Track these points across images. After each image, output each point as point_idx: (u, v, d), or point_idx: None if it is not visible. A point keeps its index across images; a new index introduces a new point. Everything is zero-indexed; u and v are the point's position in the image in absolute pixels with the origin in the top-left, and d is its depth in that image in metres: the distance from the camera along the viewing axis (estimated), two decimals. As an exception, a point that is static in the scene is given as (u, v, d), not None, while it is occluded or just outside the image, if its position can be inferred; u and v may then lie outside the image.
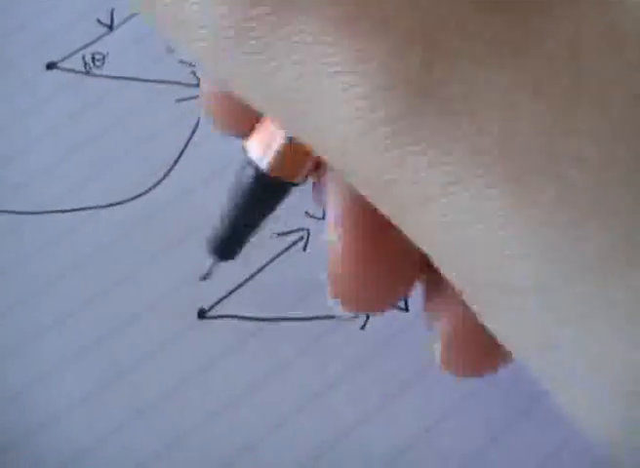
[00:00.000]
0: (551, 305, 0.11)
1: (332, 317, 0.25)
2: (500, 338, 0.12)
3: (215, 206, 0.27)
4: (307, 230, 0.26)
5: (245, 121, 0.17)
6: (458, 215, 0.11)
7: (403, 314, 0.25)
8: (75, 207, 0.27)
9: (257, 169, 0.17)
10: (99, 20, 0.32)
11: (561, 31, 0.11)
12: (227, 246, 0.21)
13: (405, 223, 0.12)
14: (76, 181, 0.28)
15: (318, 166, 0.17)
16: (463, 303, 0.13)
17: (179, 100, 0.30)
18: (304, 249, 0.26)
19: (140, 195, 0.27)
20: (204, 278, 0.23)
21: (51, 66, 0.31)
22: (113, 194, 0.27)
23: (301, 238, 0.26)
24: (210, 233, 0.21)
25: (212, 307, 0.25)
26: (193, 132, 0.29)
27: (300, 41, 0.11)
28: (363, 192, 0.13)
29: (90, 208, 0.27)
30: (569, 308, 0.11)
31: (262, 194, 0.18)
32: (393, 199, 0.12)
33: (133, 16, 0.32)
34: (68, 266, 0.26)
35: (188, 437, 0.23)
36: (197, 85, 0.30)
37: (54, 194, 0.28)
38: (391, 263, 0.17)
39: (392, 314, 0.25)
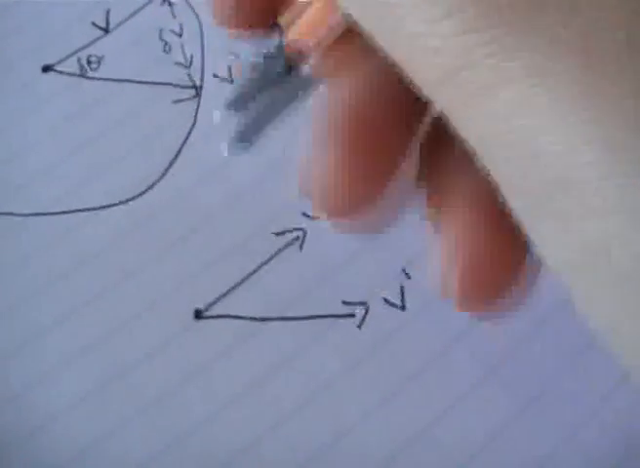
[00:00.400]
0: (613, 195, 0.11)
1: (329, 316, 0.25)
2: (546, 249, 0.12)
3: (211, 206, 0.27)
4: (304, 230, 0.27)
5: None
6: (526, 103, 0.11)
7: (400, 313, 0.25)
8: (73, 208, 0.27)
9: (278, 44, 0.17)
10: (94, 23, 0.32)
11: None
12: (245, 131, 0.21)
13: (461, 117, 0.12)
14: (74, 183, 0.28)
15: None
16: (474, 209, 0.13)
17: (175, 102, 0.30)
18: (301, 248, 0.26)
19: (137, 196, 0.28)
20: (229, 152, 0.22)
21: (47, 69, 0.31)
22: (110, 195, 0.28)
23: (298, 238, 0.26)
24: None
25: (208, 307, 0.25)
26: (189, 132, 0.29)
27: None
28: (421, 84, 0.12)
29: (87, 209, 0.27)
30: (622, 198, 0.11)
31: (278, 69, 0.18)
32: (457, 88, 0.12)
33: (128, 19, 0.32)
34: (66, 268, 0.26)
35: (187, 436, 0.23)
36: (193, 86, 0.30)
37: (52, 196, 0.28)
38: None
39: (389, 313, 0.25)
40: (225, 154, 0.23)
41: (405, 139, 0.16)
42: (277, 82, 0.19)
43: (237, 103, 0.21)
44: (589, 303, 0.13)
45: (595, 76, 0.11)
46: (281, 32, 0.18)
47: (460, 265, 0.16)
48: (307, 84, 0.19)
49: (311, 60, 0.17)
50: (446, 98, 0.13)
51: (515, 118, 0.11)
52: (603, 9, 0.11)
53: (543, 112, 0.11)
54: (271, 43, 0.18)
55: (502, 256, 0.15)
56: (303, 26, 0.17)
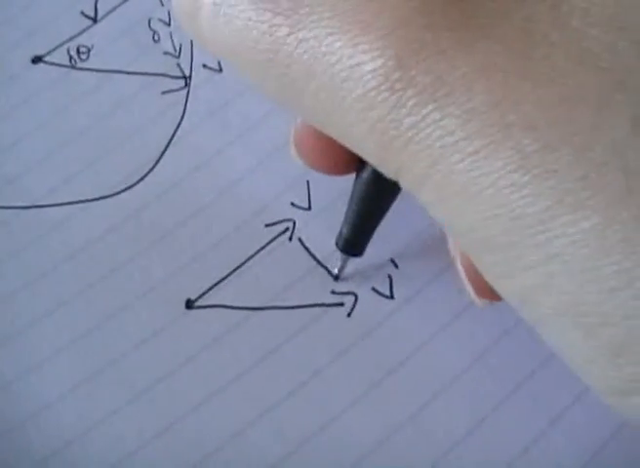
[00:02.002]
0: (521, 255, 0.13)
1: (318, 305, 0.25)
2: (495, 288, 0.15)
3: (201, 197, 0.27)
4: (293, 221, 0.27)
5: (334, 157, 0.20)
6: (444, 190, 0.13)
7: (389, 301, 0.25)
8: (63, 201, 0.27)
9: (372, 169, 0.19)
10: (83, 13, 0.32)
11: (516, 12, 0.13)
12: (355, 242, 0.24)
13: (419, 200, 0.14)
14: (64, 175, 0.28)
15: None
16: None
17: (164, 92, 0.30)
18: (290, 239, 0.26)
19: (128, 188, 0.28)
20: (337, 277, 0.25)
21: (36, 60, 0.31)
22: (101, 187, 0.28)
23: (287, 229, 0.27)
24: (338, 233, 0.24)
25: (199, 297, 0.25)
26: (179, 123, 0.29)
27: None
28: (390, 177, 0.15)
29: (78, 201, 0.27)
30: (533, 255, 0.13)
31: (380, 188, 0.20)
32: (405, 183, 0.14)
33: (117, 7, 0.32)
34: (57, 259, 0.26)
35: (178, 425, 0.23)
36: (182, 77, 0.30)
37: (42, 188, 0.28)
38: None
39: (378, 302, 0.25)
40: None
41: None
42: (380, 204, 0.21)
43: (354, 246, 0.23)
44: (538, 331, 0.14)
45: (483, 155, 0.13)
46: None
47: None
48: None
49: None
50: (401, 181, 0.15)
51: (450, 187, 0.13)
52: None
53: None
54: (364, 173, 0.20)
55: None
56: None
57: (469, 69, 0.12)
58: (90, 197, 0.27)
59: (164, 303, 0.25)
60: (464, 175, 0.12)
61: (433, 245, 0.26)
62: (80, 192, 0.28)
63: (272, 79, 0.14)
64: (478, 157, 0.12)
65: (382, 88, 0.13)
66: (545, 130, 0.12)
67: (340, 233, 0.23)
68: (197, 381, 0.24)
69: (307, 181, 0.27)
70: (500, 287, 0.14)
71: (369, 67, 0.13)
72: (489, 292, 0.19)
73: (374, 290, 0.25)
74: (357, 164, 0.20)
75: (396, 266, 0.26)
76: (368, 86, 0.13)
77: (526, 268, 0.13)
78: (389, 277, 0.26)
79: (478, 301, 0.21)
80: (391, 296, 0.25)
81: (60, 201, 0.27)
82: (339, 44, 0.13)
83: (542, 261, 0.12)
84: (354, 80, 0.13)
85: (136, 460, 0.23)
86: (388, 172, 0.14)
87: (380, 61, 0.13)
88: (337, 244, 0.24)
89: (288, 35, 0.14)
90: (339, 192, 0.27)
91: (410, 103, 0.13)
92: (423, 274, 0.25)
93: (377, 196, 0.21)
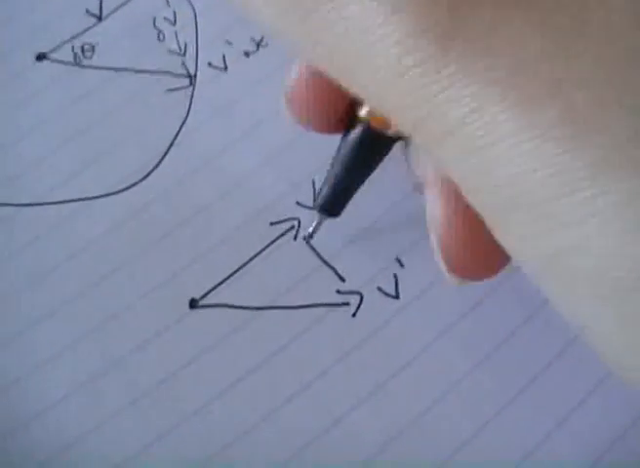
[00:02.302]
0: (555, 213, 0.12)
1: (323, 305, 0.25)
2: (514, 253, 0.14)
3: (205, 195, 0.27)
4: (298, 219, 0.27)
5: (326, 113, 0.20)
6: (478, 141, 0.13)
7: (394, 301, 0.25)
8: (67, 198, 0.27)
9: (364, 126, 0.19)
10: (88, 11, 0.32)
11: None
12: (334, 202, 0.23)
13: (436, 156, 0.14)
14: (68, 173, 0.28)
15: None
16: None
17: (169, 90, 0.30)
18: (295, 238, 0.26)
19: (131, 186, 0.28)
20: (309, 236, 0.24)
21: (41, 58, 0.31)
22: (104, 185, 0.28)
23: (292, 227, 0.26)
24: (317, 192, 0.23)
25: (203, 296, 0.25)
26: (183, 121, 0.29)
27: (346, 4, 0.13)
28: (402, 128, 0.14)
29: (81, 199, 0.27)
30: (570, 214, 0.12)
31: (368, 148, 0.20)
32: (425, 134, 0.14)
33: (122, 6, 0.32)
34: (60, 257, 0.26)
35: (182, 425, 0.23)
36: (187, 75, 0.30)
37: (46, 186, 0.28)
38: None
39: (383, 301, 0.25)
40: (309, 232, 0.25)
41: None
42: (365, 165, 0.21)
43: (332, 206, 0.23)
44: (559, 303, 0.14)
45: (527, 110, 0.12)
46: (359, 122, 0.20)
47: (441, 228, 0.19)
48: (390, 147, 0.20)
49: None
50: (417, 140, 0.14)
51: (473, 154, 0.13)
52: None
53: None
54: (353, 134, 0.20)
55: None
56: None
57: (524, 23, 0.12)
58: (93, 195, 0.27)
59: (167, 303, 0.25)
60: (507, 125, 0.12)
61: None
62: (83, 190, 0.27)
63: (299, 12, 0.14)
64: (524, 108, 0.12)
65: (431, 32, 0.12)
66: (598, 87, 0.12)
67: (320, 192, 0.23)
68: (201, 382, 0.24)
69: (313, 180, 0.27)
70: (524, 249, 0.14)
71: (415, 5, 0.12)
72: (462, 270, 0.19)
73: (379, 289, 0.25)
74: (345, 124, 0.20)
75: (402, 266, 0.26)
76: (413, 29, 0.12)
77: (561, 227, 0.12)
78: (395, 276, 0.25)
79: (450, 278, 0.20)
80: (397, 296, 0.25)
81: (62, 198, 0.27)
82: None
83: (581, 220, 0.12)
84: (395, 21, 0.12)
85: (139, 461, 0.23)
86: (409, 120, 0.14)
87: (431, 5, 0.12)
88: (314, 203, 0.24)
89: None
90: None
91: (458, 49, 0.12)
92: (429, 274, 0.25)
93: (362, 158, 0.21)
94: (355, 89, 0.14)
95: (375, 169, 0.21)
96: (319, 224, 0.24)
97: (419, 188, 0.20)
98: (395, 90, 0.13)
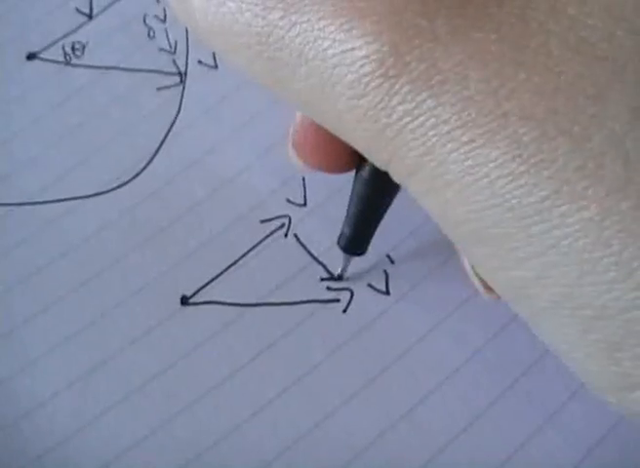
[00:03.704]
0: (516, 246, 0.13)
1: (314, 301, 0.25)
2: (488, 282, 0.15)
3: (196, 193, 0.27)
4: (289, 217, 0.27)
5: (333, 155, 0.20)
6: (435, 181, 0.13)
7: (385, 297, 0.25)
8: (58, 197, 0.27)
9: (372, 166, 0.19)
10: (78, 9, 0.32)
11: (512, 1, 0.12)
12: (358, 241, 0.23)
13: (410, 190, 0.14)
14: (59, 172, 0.28)
15: None
16: None
17: (159, 89, 0.30)
18: (286, 235, 0.26)
19: (122, 184, 0.28)
20: (340, 277, 0.25)
21: (31, 57, 0.31)
22: (95, 184, 0.28)
23: (283, 225, 0.27)
24: (340, 233, 0.23)
25: (194, 294, 0.25)
26: (174, 119, 0.29)
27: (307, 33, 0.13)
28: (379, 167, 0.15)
29: (73, 198, 0.27)
30: (529, 247, 0.12)
31: (381, 183, 0.20)
32: (394, 174, 0.14)
33: (112, 4, 0.32)
34: (52, 256, 0.26)
35: (173, 422, 0.23)
36: (178, 73, 0.30)
37: (37, 185, 0.28)
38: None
39: (374, 298, 0.25)
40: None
41: None
42: (382, 199, 0.21)
43: (357, 245, 0.23)
44: (535, 330, 0.14)
45: (477, 146, 0.13)
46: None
47: None
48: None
49: None
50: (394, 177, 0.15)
51: (437, 191, 0.13)
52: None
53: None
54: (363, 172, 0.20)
55: None
56: None
57: (465, 57, 0.12)
58: (84, 194, 0.27)
59: (159, 300, 0.25)
60: (458, 164, 0.12)
61: (429, 240, 0.26)
62: (74, 189, 0.27)
63: (263, 62, 0.14)
64: (473, 146, 0.12)
65: (376, 74, 0.12)
66: (542, 119, 0.12)
67: (342, 233, 0.23)
68: (192, 378, 0.24)
69: (303, 178, 0.27)
70: (493, 280, 0.14)
71: (362, 53, 0.12)
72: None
73: (369, 286, 0.25)
74: (356, 162, 0.20)
75: (392, 262, 0.26)
76: (360, 72, 0.13)
77: (521, 260, 0.13)
78: (385, 273, 0.26)
79: (487, 296, 0.20)
80: (387, 292, 0.25)
81: (53, 197, 0.27)
82: (332, 28, 0.13)
83: (539, 253, 0.12)
84: (346, 65, 0.13)
85: (130, 457, 0.23)
86: (379, 161, 0.14)
87: (373, 47, 0.12)
88: (338, 243, 0.24)
89: (281, 18, 0.13)
90: (334, 188, 0.27)
91: (404, 90, 0.12)
92: (419, 270, 0.25)
93: (377, 194, 0.21)
94: (332, 132, 0.15)
95: (391, 201, 0.21)
96: (347, 263, 0.25)
97: None
98: (358, 134, 0.14)
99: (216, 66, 0.30)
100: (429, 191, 0.13)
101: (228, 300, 0.25)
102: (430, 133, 0.12)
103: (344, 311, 0.25)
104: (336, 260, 0.25)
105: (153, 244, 0.26)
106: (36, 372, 0.24)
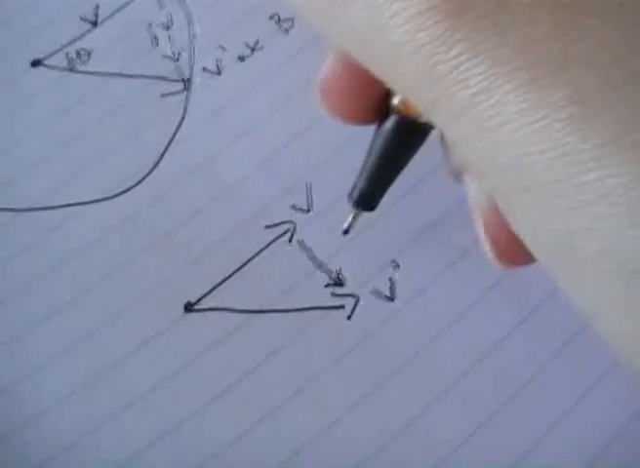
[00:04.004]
0: (564, 195, 0.12)
1: (318, 308, 0.25)
2: (524, 237, 0.14)
3: (200, 199, 0.27)
4: (293, 223, 0.27)
5: (359, 102, 0.19)
6: (487, 122, 0.12)
7: (389, 304, 0.25)
8: (62, 203, 0.27)
9: (398, 115, 0.19)
10: (82, 17, 0.32)
11: None
12: (370, 196, 0.22)
13: (450, 138, 0.14)
14: (63, 178, 0.28)
15: None
16: None
17: (163, 95, 0.30)
18: (290, 241, 0.26)
19: (126, 190, 0.28)
20: (346, 231, 0.23)
21: (36, 64, 0.31)
22: (99, 190, 0.28)
23: (287, 231, 0.26)
24: (352, 187, 0.22)
25: (198, 300, 0.25)
26: (178, 126, 0.29)
27: None
28: (420, 109, 0.14)
29: (76, 204, 0.27)
30: (578, 196, 0.12)
31: (403, 138, 0.20)
32: (438, 115, 0.14)
33: (116, 12, 0.32)
34: (55, 262, 0.26)
35: (176, 429, 0.23)
36: (182, 80, 0.30)
37: (41, 191, 0.28)
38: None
39: (379, 304, 0.25)
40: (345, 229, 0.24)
41: None
42: (401, 155, 0.20)
43: (368, 200, 0.22)
44: (569, 289, 0.13)
45: (535, 90, 0.12)
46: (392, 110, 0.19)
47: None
48: (425, 136, 0.20)
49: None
50: (435, 121, 0.14)
51: (481, 135, 0.13)
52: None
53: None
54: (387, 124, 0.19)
55: None
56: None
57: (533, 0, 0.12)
58: (87, 199, 0.27)
59: (162, 307, 0.25)
60: (515, 105, 0.12)
61: (435, 245, 0.26)
62: (78, 195, 0.27)
63: None
64: (533, 87, 0.12)
65: (441, 8, 0.12)
66: (607, 66, 0.12)
67: (355, 186, 0.22)
68: (196, 386, 0.24)
69: (307, 184, 0.27)
70: (533, 233, 0.14)
71: None
72: (511, 256, 0.18)
73: (375, 292, 0.25)
74: (380, 115, 0.20)
75: (397, 268, 0.26)
76: (423, 6, 0.12)
77: (569, 209, 0.12)
78: (390, 279, 0.25)
79: (499, 265, 0.19)
80: (392, 299, 0.25)
81: (57, 203, 0.27)
82: None
83: (588, 202, 0.12)
84: None
85: (134, 465, 0.22)
86: (423, 102, 0.14)
87: None
88: (349, 197, 0.22)
89: None
90: (339, 195, 0.27)
91: (468, 26, 0.12)
92: (425, 276, 0.25)
93: (397, 148, 0.20)
94: (374, 70, 0.14)
95: (410, 159, 0.21)
96: (355, 219, 0.23)
97: (456, 176, 0.20)
98: (408, 70, 0.13)
99: (219, 73, 0.30)
100: (478, 133, 0.13)
101: (232, 307, 0.25)
102: (490, 71, 0.12)
103: (349, 318, 0.25)
104: (341, 266, 0.25)
105: (157, 250, 0.26)
106: (40, 379, 0.24)
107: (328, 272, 0.26)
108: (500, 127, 0.12)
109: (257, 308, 0.25)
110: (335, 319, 0.25)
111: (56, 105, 0.30)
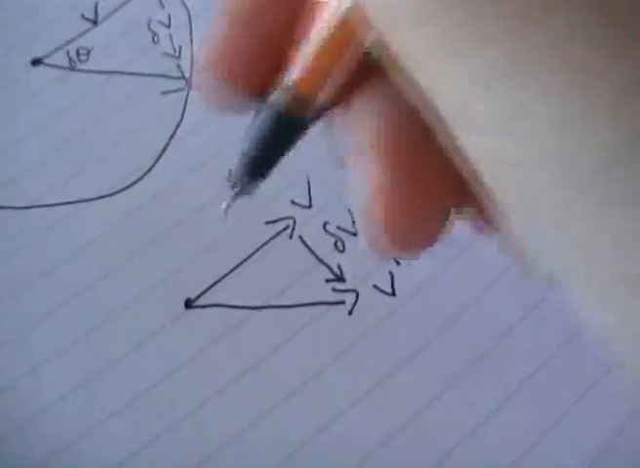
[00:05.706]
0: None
1: (319, 304, 0.25)
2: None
3: (200, 196, 0.27)
4: (294, 219, 0.27)
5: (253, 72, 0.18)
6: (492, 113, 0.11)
7: (390, 298, 0.25)
8: (63, 201, 0.27)
9: (274, 107, 0.17)
10: (83, 16, 0.32)
11: None
12: (247, 179, 0.21)
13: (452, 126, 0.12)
14: (64, 176, 0.28)
15: (339, 97, 0.17)
16: None
17: (163, 93, 0.30)
18: (290, 237, 0.26)
19: (126, 188, 0.28)
20: (224, 213, 0.23)
21: (36, 63, 0.31)
22: (100, 187, 0.28)
23: (287, 226, 0.26)
24: (232, 167, 0.21)
25: (198, 296, 0.25)
26: (178, 124, 0.29)
27: None
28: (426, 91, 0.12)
29: (77, 201, 0.27)
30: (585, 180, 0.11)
31: (279, 131, 0.19)
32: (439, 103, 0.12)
33: (117, 9, 0.32)
34: (56, 259, 0.26)
35: (177, 426, 0.23)
36: (182, 77, 0.30)
37: (42, 188, 0.28)
38: (428, 193, 0.15)
39: (380, 299, 0.25)
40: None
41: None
42: (287, 137, 0.19)
43: (255, 172, 0.21)
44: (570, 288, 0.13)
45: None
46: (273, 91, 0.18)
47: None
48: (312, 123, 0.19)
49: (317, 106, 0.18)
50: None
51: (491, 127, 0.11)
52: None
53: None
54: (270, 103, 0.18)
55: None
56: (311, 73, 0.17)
57: None
58: (88, 197, 0.27)
59: (163, 303, 0.25)
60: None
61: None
62: (79, 192, 0.27)
63: None
64: None
65: None
66: None
67: (235, 169, 0.22)
68: (197, 382, 0.24)
69: (308, 180, 0.27)
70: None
71: None
72: (404, 241, 0.16)
73: (375, 287, 0.25)
74: (265, 90, 0.19)
75: (398, 263, 0.26)
76: None
77: None
78: (391, 274, 0.25)
79: (382, 252, 0.17)
80: (393, 294, 0.25)
81: (58, 201, 0.27)
82: None
83: None
84: None
85: (135, 462, 0.22)
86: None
87: None
88: (228, 180, 0.22)
89: None
90: (340, 190, 0.27)
91: None
92: (425, 270, 0.25)
93: (277, 135, 0.20)
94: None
95: (289, 149, 0.20)
96: (233, 201, 0.23)
97: (340, 163, 0.19)
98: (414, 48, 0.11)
99: (220, 70, 0.30)
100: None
101: (233, 303, 0.25)
102: None
103: (350, 313, 0.25)
104: (342, 261, 0.25)
105: (157, 246, 0.26)
106: (41, 377, 0.24)
107: (328, 268, 0.26)
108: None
109: (257, 304, 0.25)
110: (336, 314, 0.25)
111: (56, 104, 0.30)
